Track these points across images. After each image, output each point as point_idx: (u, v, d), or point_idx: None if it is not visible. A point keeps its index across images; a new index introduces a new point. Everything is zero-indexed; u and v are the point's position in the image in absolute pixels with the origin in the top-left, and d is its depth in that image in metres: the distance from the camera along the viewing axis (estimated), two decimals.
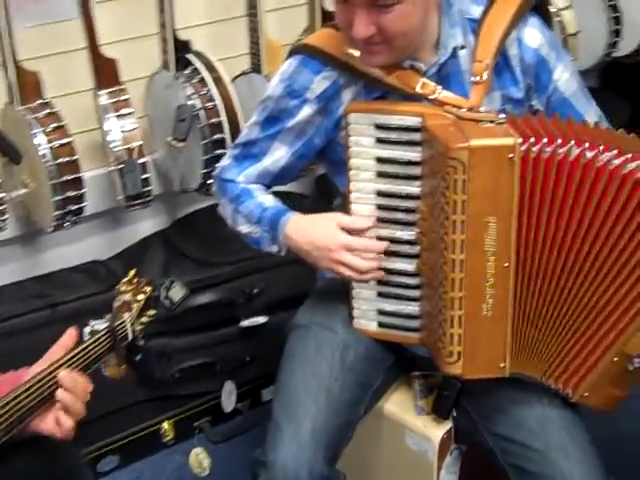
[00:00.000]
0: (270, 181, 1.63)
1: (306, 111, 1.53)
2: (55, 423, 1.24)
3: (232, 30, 2.34)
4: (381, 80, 1.46)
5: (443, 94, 1.45)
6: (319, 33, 1.60)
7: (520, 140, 1.31)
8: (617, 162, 1.30)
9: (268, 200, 1.58)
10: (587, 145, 1.31)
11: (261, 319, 2.28)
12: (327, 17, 2.34)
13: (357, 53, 1.46)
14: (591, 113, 1.55)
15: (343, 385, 1.54)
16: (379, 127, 1.44)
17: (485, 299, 1.36)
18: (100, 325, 1.38)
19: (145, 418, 2.24)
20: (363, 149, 1.46)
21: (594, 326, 1.38)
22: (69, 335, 1.31)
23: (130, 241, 2.41)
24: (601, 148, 1.31)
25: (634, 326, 1.35)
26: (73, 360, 1.27)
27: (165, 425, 2.25)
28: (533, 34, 1.49)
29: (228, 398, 2.30)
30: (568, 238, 1.34)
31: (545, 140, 1.32)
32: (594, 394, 1.42)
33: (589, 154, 1.31)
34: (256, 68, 2.26)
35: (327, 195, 2.56)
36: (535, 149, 1.32)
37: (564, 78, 1.52)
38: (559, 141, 1.32)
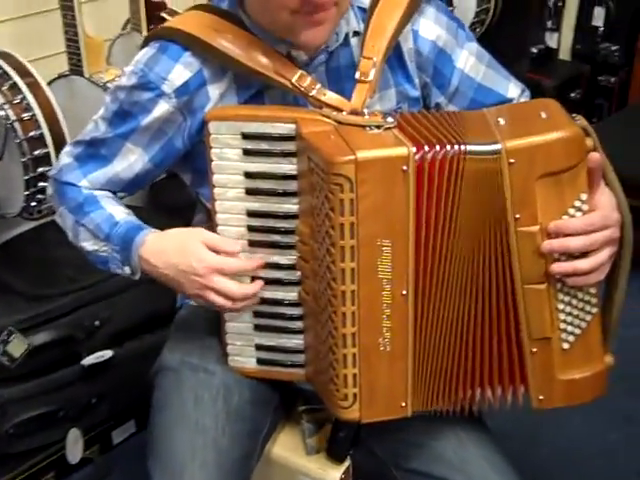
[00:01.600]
0: (120, 189, 1.40)
1: (163, 107, 1.30)
2: None
3: (43, 26, 2.15)
4: (253, 69, 1.27)
5: (322, 92, 1.27)
6: (183, 15, 1.37)
7: (414, 149, 1.16)
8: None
9: (119, 213, 1.35)
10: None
11: (106, 354, 2.07)
12: (151, 6, 2.16)
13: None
14: (512, 87, 1.43)
15: (231, 438, 1.33)
16: (246, 137, 1.24)
17: (382, 333, 1.21)
18: None
19: None
20: (228, 163, 1.26)
21: (497, 334, 1.23)
22: None
23: None
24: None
25: (527, 311, 1.21)
26: None
27: None
28: (429, 26, 1.35)
29: (74, 447, 2.06)
30: (465, 251, 1.19)
31: (438, 147, 1.16)
32: (549, 393, 1.26)
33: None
34: (76, 69, 2.07)
35: (163, 206, 2.40)
36: (429, 156, 1.16)
37: (470, 63, 1.38)
38: (448, 147, 1.16)
